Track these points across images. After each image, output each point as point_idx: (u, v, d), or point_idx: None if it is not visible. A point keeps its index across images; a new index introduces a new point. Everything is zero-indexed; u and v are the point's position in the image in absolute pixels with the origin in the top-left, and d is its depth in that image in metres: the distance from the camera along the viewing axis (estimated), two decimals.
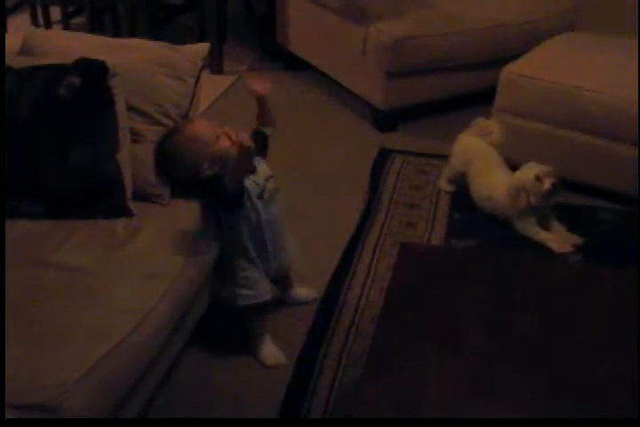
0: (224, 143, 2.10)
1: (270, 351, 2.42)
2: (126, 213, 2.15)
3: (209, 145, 2.09)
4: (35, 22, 5.08)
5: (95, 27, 4.73)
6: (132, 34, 4.72)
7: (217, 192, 2.10)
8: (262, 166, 2.22)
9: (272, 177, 2.22)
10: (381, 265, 2.85)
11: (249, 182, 2.13)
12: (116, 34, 4.79)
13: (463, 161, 3.21)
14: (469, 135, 3.26)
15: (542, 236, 3.00)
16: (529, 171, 2.93)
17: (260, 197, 2.17)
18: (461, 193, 3.29)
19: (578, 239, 3.00)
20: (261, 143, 2.26)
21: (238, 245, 2.25)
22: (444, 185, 3.35)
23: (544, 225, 3.03)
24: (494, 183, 3.08)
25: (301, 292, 2.66)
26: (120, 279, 1.91)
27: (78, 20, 4.95)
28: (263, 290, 2.32)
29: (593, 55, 3.45)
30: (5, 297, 1.76)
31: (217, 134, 2.11)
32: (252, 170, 2.17)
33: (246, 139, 2.10)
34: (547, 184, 2.89)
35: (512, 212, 3.02)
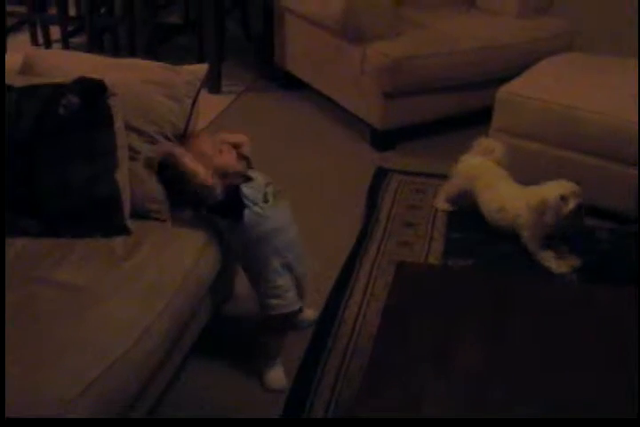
0: (226, 156, 2.25)
1: (277, 376, 2.40)
2: (124, 231, 2.15)
3: (212, 158, 2.22)
4: (35, 42, 5.12)
5: (94, 46, 4.76)
6: (132, 53, 4.75)
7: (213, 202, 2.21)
8: (259, 175, 2.27)
9: (271, 183, 2.27)
10: (379, 284, 2.85)
11: (248, 190, 2.19)
12: (116, 53, 4.82)
13: (467, 179, 3.21)
14: (472, 155, 3.26)
15: (543, 254, 3.00)
16: (555, 189, 2.90)
17: (265, 200, 2.21)
18: (458, 212, 3.30)
19: (577, 261, 3.00)
20: None
21: (262, 254, 2.25)
22: (442, 204, 3.35)
23: (548, 243, 3.03)
24: (503, 195, 3.08)
25: (308, 313, 2.65)
26: (118, 296, 1.90)
27: (78, 39, 4.99)
28: (292, 299, 2.32)
29: (590, 75, 3.48)
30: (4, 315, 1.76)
31: (219, 148, 2.25)
32: (248, 179, 2.23)
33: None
34: (571, 204, 2.85)
35: (523, 222, 3.00)
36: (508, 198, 3.06)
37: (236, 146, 2.30)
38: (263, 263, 2.26)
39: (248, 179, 2.23)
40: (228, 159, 2.24)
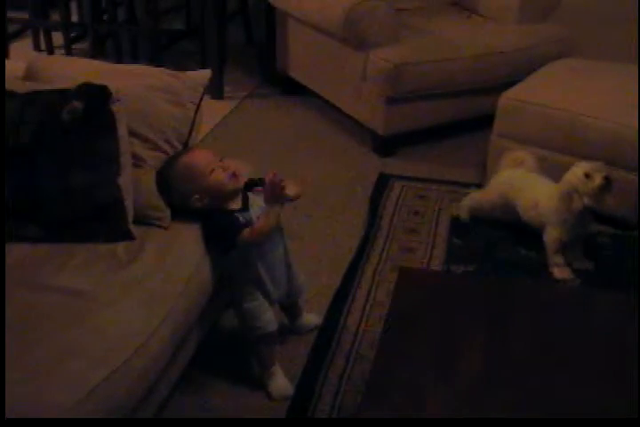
0: (217, 176, 2.18)
1: (280, 384, 2.38)
2: (127, 236, 2.15)
3: (202, 177, 2.17)
4: (37, 48, 5.14)
5: (97, 52, 4.78)
6: (134, 59, 4.77)
7: (211, 226, 2.21)
8: (258, 201, 2.25)
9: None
10: (381, 290, 2.85)
11: (241, 220, 2.18)
12: (118, 59, 4.83)
13: (501, 192, 3.16)
14: (503, 170, 3.22)
15: (555, 259, 2.98)
16: (577, 170, 2.83)
17: None
18: (460, 218, 3.31)
19: (589, 264, 3.02)
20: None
21: (241, 277, 2.27)
22: (465, 214, 3.33)
23: (570, 249, 3.01)
24: (538, 191, 3.03)
25: (310, 319, 2.65)
26: (121, 302, 1.90)
27: (80, 45, 5.00)
28: (268, 321, 2.31)
29: (590, 81, 3.48)
30: (5, 320, 1.76)
31: (212, 167, 2.18)
32: (245, 208, 2.22)
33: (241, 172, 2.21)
34: (597, 180, 2.77)
35: (554, 218, 2.94)
36: (543, 195, 2.99)
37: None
38: (237, 287, 2.29)
39: (244, 209, 2.21)
40: (218, 180, 2.17)
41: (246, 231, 2.15)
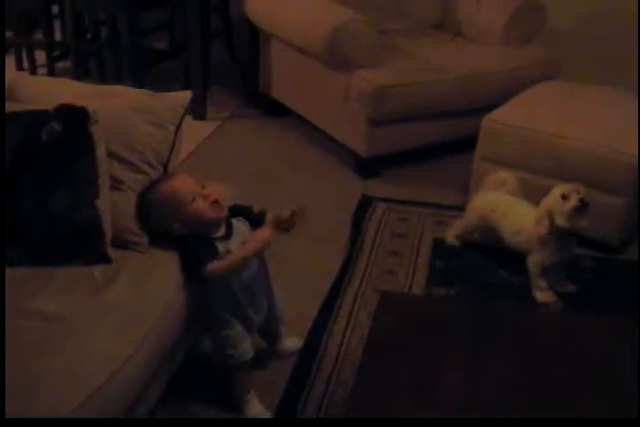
0: (198, 206, 2.13)
1: (256, 412, 2.34)
2: (105, 259, 2.13)
3: (182, 206, 2.12)
4: (19, 66, 5.12)
5: (80, 71, 4.76)
6: (118, 79, 4.75)
7: (183, 252, 2.17)
8: (242, 229, 2.23)
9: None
10: (362, 313, 2.84)
11: (220, 249, 2.15)
12: (102, 79, 4.82)
13: (482, 215, 3.14)
14: (485, 191, 3.21)
15: (538, 282, 2.97)
16: (555, 191, 2.83)
17: None
18: (442, 242, 3.29)
19: (572, 287, 3.02)
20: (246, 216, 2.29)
21: (220, 304, 2.23)
22: (452, 240, 3.32)
23: (553, 273, 3.00)
24: (521, 216, 3.01)
25: (290, 342, 2.62)
26: (97, 326, 1.88)
27: (63, 64, 4.98)
28: (245, 350, 2.27)
29: (573, 104, 3.49)
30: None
31: (194, 195, 2.13)
32: (227, 235, 2.18)
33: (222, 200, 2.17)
34: (573, 201, 2.77)
35: (537, 242, 2.92)
36: (527, 221, 2.96)
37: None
38: (215, 315, 2.25)
39: (226, 237, 2.18)
40: (200, 209, 2.12)
41: (216, 264, 2.11)
